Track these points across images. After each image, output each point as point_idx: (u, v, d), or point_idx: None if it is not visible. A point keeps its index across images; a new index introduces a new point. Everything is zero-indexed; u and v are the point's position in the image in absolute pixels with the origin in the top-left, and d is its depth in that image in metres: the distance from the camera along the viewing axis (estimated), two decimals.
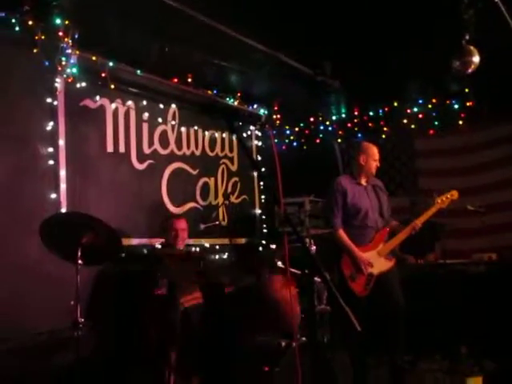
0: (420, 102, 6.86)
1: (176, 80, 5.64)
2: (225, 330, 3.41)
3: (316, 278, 4.95)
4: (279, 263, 4.12)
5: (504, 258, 5.61)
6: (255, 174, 6.84)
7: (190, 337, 3.70)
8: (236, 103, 6.40)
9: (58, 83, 4.57)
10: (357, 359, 4.82)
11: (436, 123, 6.79)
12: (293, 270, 4.30)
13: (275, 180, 2.19)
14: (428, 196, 5.01)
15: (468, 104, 6.50)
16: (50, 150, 4.48)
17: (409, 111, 6.91)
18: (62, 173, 4.53)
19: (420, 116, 6.86)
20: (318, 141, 7.64)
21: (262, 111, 6.91)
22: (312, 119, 7.61)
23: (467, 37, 4.57)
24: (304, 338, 4.12)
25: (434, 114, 6.79)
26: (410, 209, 6.19)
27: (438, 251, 6.18)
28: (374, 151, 5.03)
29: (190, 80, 5.73)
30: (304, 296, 4.40)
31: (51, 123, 4.51)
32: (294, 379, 2.15)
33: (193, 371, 3.75)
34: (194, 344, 3.71)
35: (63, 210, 4.45)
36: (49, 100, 4.52)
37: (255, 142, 7.02)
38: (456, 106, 6.61)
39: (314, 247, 4.76)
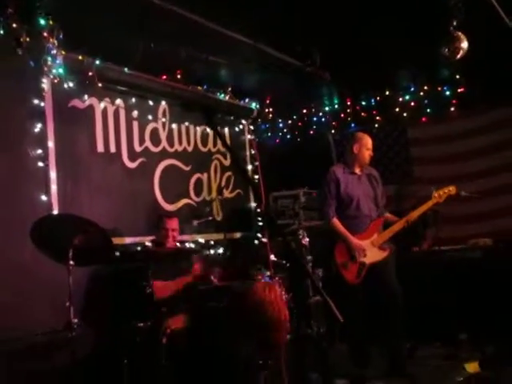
0: (411, 89, 6.83)
1: (165, 77, 5.60)
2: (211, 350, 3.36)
3: (315, 270, 4.98)
4: (272, 256, 4.12)
5: (499, 242, 5.60)
6: (249, 167, 6.84)
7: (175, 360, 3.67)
8: (227, 98, 6.37)
9: (45, 84, 4.54)
10: (356, 348, 4.84)
11: (428, 111, 6.77)
12: (282, 262, 4.33)
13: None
14: (419, 184, 4.99)
15: (459, 90, 6.48)
16: (39, 151, 4.46)
17: (401, 99, 6.89)
18: (53, 175, 4.51)
19: (412, 104, 6.83)
20: (311, 133, 7.62)
21: (253, 105, 6.89)
22: (305, 111, 7.58)
23: (455, 23, 4.55)
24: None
25: (425, 102, 6.76)
26: (394, 198, 6.17)
27: (429, 239, 6.15)
28: (368, 141, 5.04)
29: (179, 76, 5.70)
30: (298, 288, 4.42)
31: (39, 125, 4.48)
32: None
33: None
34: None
35: (55, 212, 4.44)
36: (36, 101, 4.50)
37: (248, 137, 7.00)
38: (448, 93, 6.58)
39: (307, 239, 4.75)
